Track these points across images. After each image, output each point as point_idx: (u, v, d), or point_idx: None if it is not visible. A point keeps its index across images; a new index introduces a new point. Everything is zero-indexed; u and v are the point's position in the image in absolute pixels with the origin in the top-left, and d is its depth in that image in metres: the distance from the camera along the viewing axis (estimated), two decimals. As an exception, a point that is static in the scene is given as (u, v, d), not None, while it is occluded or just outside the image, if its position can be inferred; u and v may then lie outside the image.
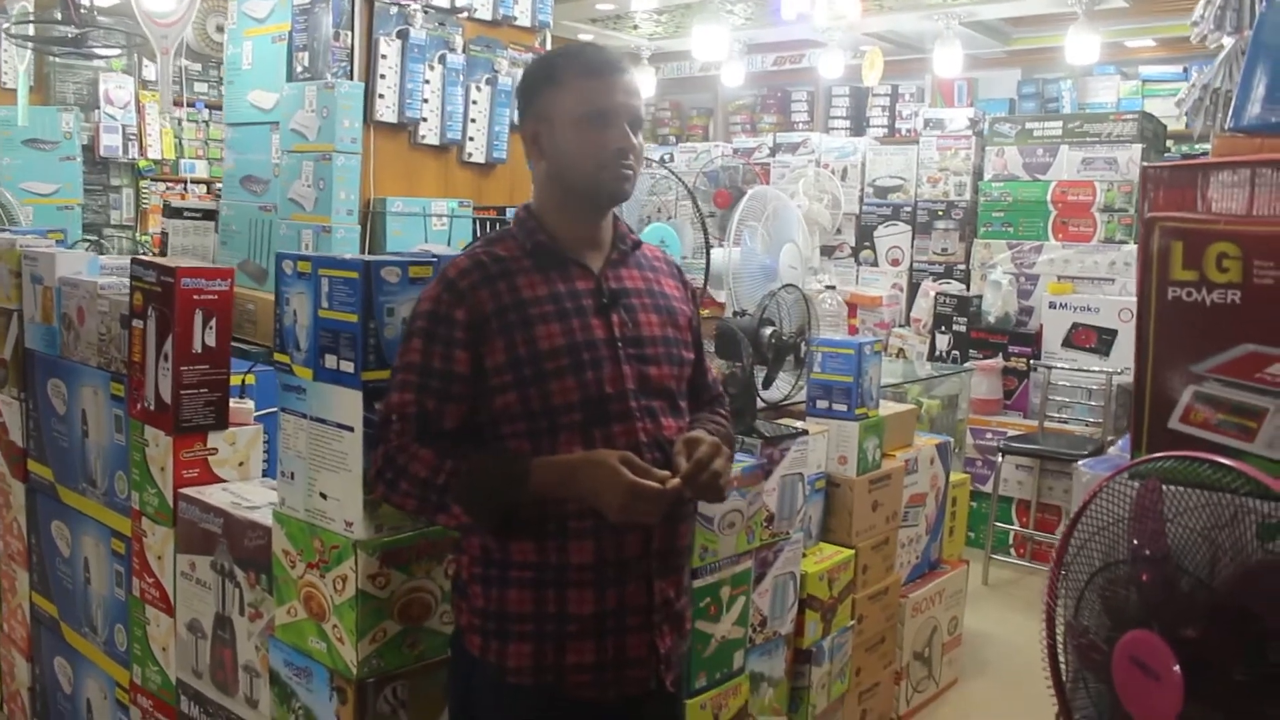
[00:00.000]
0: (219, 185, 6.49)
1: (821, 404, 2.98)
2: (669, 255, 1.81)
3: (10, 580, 2.92)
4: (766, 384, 2.71)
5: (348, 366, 1.75)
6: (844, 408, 2.95)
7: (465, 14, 3.26)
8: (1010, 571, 4.90)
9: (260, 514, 2.03)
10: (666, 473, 1.52)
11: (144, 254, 5.53)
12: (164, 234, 3.51)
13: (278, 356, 1.90)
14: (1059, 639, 1.49)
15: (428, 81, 3.16)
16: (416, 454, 1.57)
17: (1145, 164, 1.61)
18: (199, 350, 2.19)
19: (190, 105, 5.93)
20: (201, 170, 6.22)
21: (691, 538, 1.75)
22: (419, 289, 1.75)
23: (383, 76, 3.07)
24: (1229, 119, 1.71)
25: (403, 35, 3.08)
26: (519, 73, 3.41)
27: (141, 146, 5.64)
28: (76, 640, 2.62)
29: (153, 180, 5.80)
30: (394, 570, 1.79)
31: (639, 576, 1.60)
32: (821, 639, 2.85)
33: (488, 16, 3.33)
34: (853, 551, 2.96)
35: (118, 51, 5.49)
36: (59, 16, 4.20)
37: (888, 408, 3.22)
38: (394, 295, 1.75)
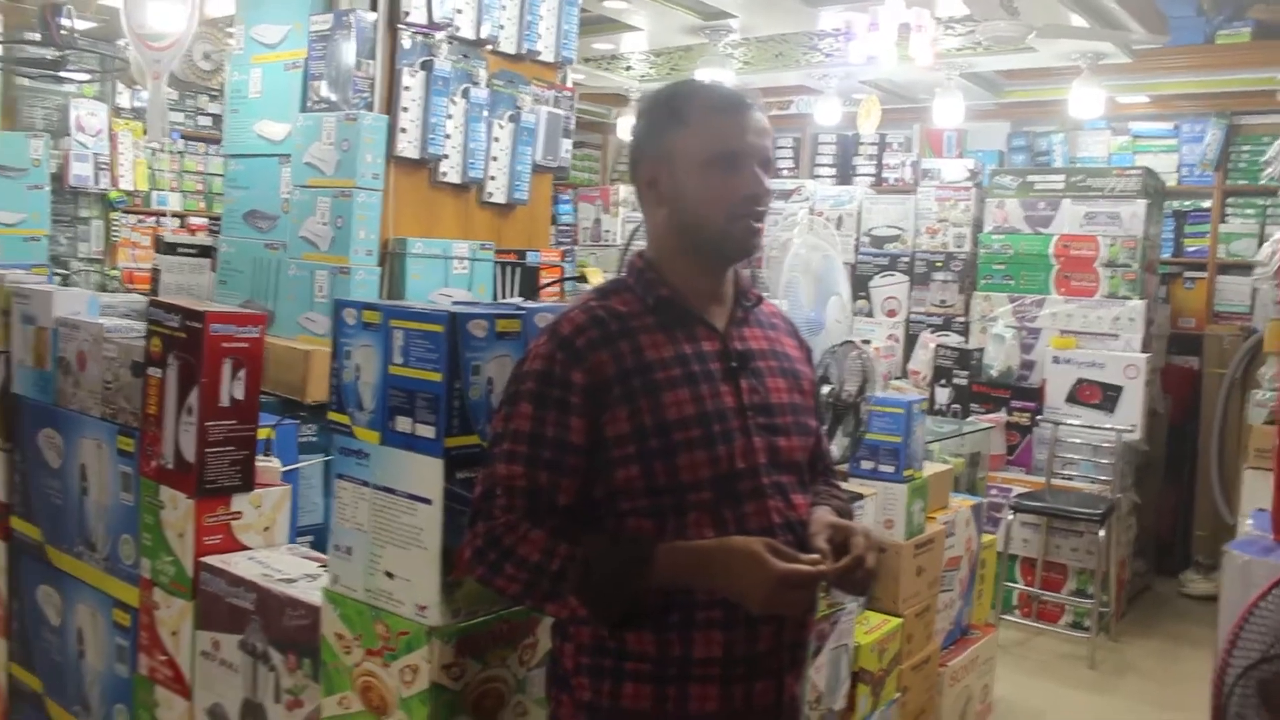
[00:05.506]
0: (194, 219, 6.28)
1: (867, 465, 2.82)
2: (784, 312, 1.65)
3: (-15, 647, 2.65)
4: (821, 445, 2.55)
5: (426, 431, 1.55)
6: (891, 469, 2.80)
7: (489, 46, 3.08)
8: (1016, 631, 4.77)
9: (299, 588, 1.82)
10: (815, 555, 1.35)
11: (113, 289, 5.24)
12: (154, 271, 3.27)
13: (333, 416, 1.70)
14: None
15: (450, 116, 2.98)
16: (526, 534, 1.38)
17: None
18: (227, 404, 1.99)
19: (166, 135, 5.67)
20: (175, 203, 5.96)
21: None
22: (505, 345, 1.58)
23: (405, 110, 2.87)
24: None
25: (427, 67, 2.90)
26: (542, 110, 3.25)
27: (113, 177, 5.36)
28: None
29: (124, 212, 5.52)
30: (469, 659, 1.59)
31: (770, 673, 1.43)
32: (870, 714, 2.67)
33: (512, 50, 3.15)
34: (900, 620, 2.80)
35: (89, 77, 5.25)
36: (39, 38, 3.96)
37: (928, 468, 3.08)
38: (481, 352, 1.56)
